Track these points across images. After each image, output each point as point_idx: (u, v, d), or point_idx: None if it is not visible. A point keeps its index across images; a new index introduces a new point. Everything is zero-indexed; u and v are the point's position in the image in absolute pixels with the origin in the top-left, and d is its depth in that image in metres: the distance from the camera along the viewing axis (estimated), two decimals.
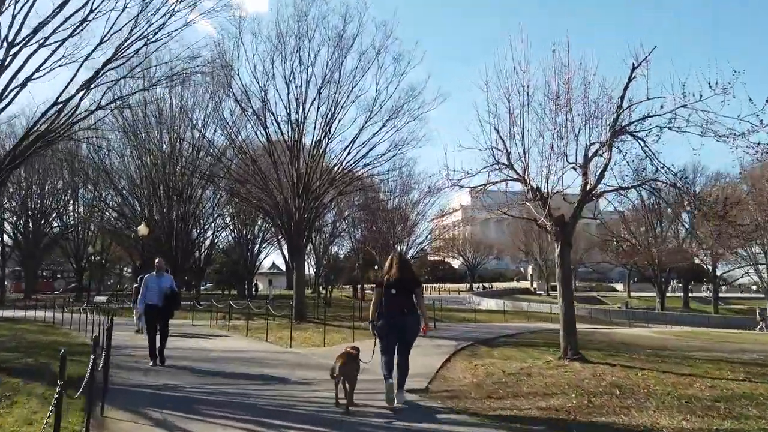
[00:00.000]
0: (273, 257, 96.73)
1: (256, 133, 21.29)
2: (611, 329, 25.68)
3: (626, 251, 54.07)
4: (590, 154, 10.50)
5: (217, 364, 10.16)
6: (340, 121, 20.58)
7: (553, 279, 73.59)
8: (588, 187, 9.97)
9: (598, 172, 9.98)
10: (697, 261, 55.14)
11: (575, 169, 10.57)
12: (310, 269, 59.29)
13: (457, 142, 11.58)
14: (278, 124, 20.14)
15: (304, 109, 19.94)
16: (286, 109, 19.92)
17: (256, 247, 46.57)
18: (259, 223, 43.59)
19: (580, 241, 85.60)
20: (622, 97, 9.75)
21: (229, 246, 50.60)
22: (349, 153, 20.39)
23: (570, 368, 9.27)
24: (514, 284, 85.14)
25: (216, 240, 46.93)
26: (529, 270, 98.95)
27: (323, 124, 19.99)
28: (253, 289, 53.18)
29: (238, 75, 20.75)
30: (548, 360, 10.11)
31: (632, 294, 67.99)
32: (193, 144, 27.03)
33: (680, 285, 66.48)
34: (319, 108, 20.12)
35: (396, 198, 34.68)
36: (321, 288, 54.01)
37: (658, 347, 14.56)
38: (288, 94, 19.87)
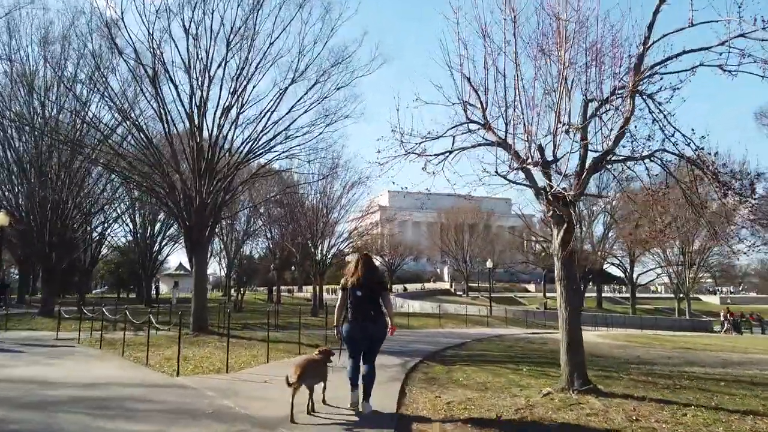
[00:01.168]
0: (180, 256, 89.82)
1: (146, 97, 16.86)
2: (551, 333, 23.85)
3: (549, 253, 53.81)
4: (590, 112, 7.86)
5: (46, 413, 6.29)
6: (254, 87, 16.87)
7: (474, 279, 73.73)
8: (606, 147, 7.23)
9: (617, 130, 7.25)
10: (615, 263, 55.91)
11: (568, 133, 7.86)
12: (221, 270, 54.28)
13: (411, 99, 8.57)
14: (176, 87, 16.11)
15: (208, 69, 16.02)
16: (185, 66, 15.92)
17: (157, 244, 40.96)
18: (161, 216, 38.30)
19: (497, 243, 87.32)
20: (650, 25, 7.11)
21: (127, 244, 44.62)
22: (265, 126, 16.63)
23: (588, 407, 6.42)
24: (433, 285, 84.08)
25: (107, 235, 40.98)
26: (445, 271, 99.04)
27: (233, 85, 16.20)
28: (154, 292, 47.42)
29: (127, 29, 16.45)
30: (547, 392, 7.24)
31: (546, 295, 68.89)
32: (74, 115, 22.00)
33: (594, 286, 68.35)
34: (226, 64, 16.26)
35: (318, 191, 31.14)
36: (233, 291, 49.23)
37: (645, 361, 12.29)
38: (188, 47, 15.84)
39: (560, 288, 7.70)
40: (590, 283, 69.15)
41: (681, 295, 52.37)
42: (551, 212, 7.57)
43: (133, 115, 16.81)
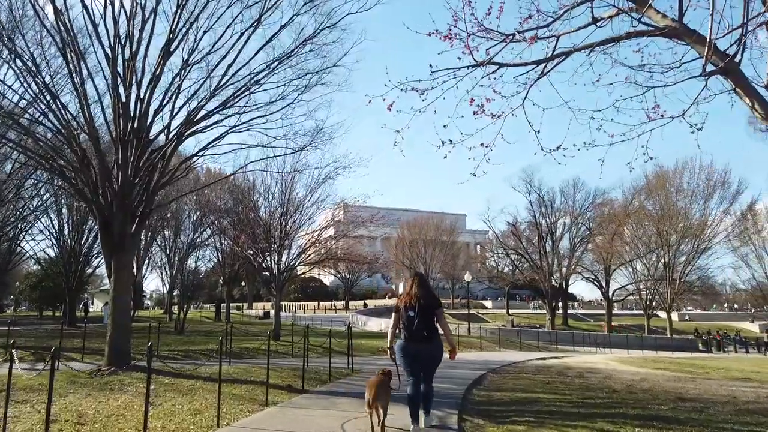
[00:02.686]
0: None
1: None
2: (545, 358, 20.43)
3: (520, 271, 51.40)
4: None
5: None
6: (208, 27, 12.34)
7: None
8: None
9: None
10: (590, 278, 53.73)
11: None
12: (164, 287, 48.62)
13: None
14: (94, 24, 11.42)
15: None
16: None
17: (83, 254, 35.22)
18: (90, 222, 32.82)
19: (459, 259, 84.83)
20: None
21: (52, 257, 38.56)
22: (220, 82, 12.15)
23: None
24: (391, 302, 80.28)
25: (17, 243, 35.10)
26: (401, 287, 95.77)
27: (177, 10, 11.80)
28: (82, 310, 41.49)
29: None
30: None
31: (510, 312, 66.40)
32: None
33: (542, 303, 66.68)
34: None
35: (281, 188, 26.79)
36: (175, 309, 43.63)
37: (701, 402, 8.80)
38: None
39: None
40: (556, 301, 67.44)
41: (650, 312, 50.79)
42: None
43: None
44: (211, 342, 19.84)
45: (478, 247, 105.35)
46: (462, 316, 64.18)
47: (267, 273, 29.04)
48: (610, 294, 51.31)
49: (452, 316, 63.68)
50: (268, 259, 28.24)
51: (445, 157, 6.63)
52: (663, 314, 62.40)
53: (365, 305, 68.05)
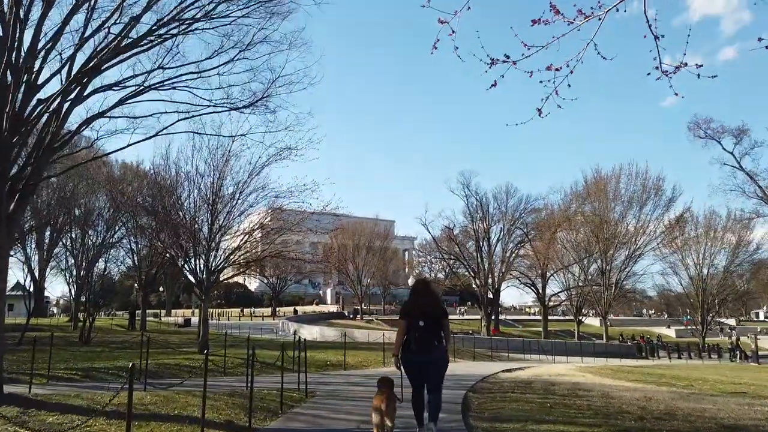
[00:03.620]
0: (15, 272, 74.63)
1: None
2: (510, 370, 18.79)
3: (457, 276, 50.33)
4: None
5: None
6: None
7: (359, 302, 67.77)
8: None
9: None
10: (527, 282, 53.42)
11: None
12: (70, 292, 43.14)
13: None
14: None
15: None
16: None
17: None
18: None
19: (392, 264, 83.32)
20: None
21: None
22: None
23: None
24: (318, 308, 77.52)
25: None
26: (329, 292, 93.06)
27: None
28: None
29: None
30: None
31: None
32: None
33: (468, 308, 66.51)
34: None
35: (209, 176, 23.64)
36: (81, 316, 38.49)
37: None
38: None
39: None
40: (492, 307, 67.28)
41: (581, 317, 51.33)
42: None
43: None
44: (122, 357, 16.52)
45: (407, 253, 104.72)
46: (395, 322, 62.35)
47: (192, 276, 25.71)
48: (547, 300, 51.35)
49: (385, 323, 61.61)
50: (194, 260, 25.01)
51: (494, 85, 4.46)
52: (588, 320, 63.84)
53: (296, 311, 64.75)
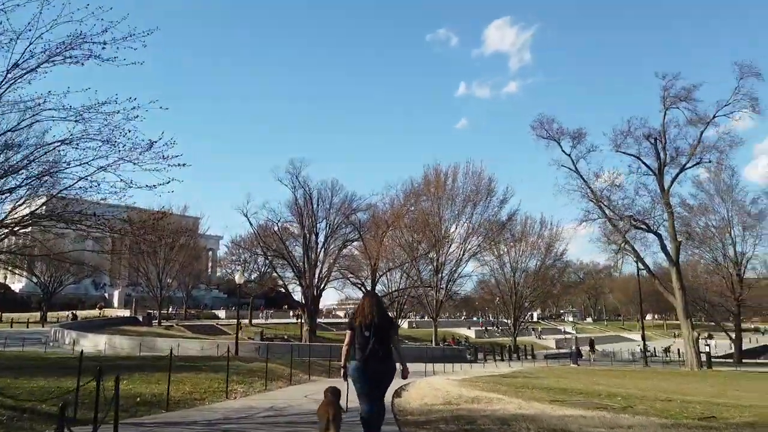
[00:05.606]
0: None
1: None
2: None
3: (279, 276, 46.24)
4: None
5: None
6: None
7: (153, 306, 58.98)
8: None
9: None
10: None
11: None
12: None
13: None
14: None
15: None
16: None
17: None
18: None
19: (199, 263, 75.57)
20: None
21: None
22: None
23: None
24: (110, 312, 66.95)
25: None
26: (116, 295, 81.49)
27: None
28: None
29: None
30: None
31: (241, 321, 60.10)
32: None
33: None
34: None
35: None
36: None
37: None
38: None
39: None
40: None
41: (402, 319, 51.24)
42: None
43: None
44: None
45: (211, 252, 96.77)
46: (199, 328, 55.23)
47: None
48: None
49: (187, 329, 54.34)
50: None
51: None
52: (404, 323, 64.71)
53: (74, 316, 53.84)
